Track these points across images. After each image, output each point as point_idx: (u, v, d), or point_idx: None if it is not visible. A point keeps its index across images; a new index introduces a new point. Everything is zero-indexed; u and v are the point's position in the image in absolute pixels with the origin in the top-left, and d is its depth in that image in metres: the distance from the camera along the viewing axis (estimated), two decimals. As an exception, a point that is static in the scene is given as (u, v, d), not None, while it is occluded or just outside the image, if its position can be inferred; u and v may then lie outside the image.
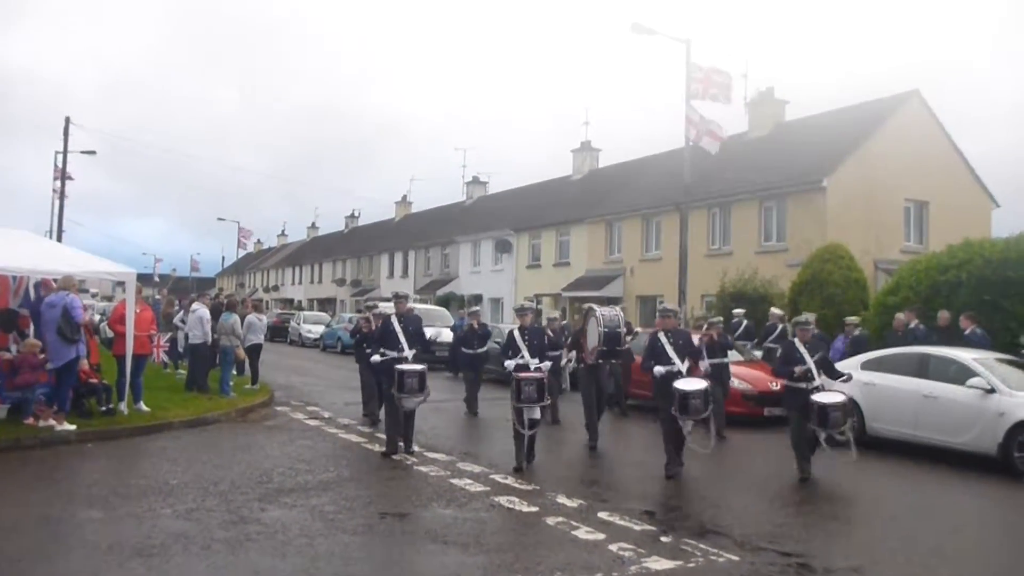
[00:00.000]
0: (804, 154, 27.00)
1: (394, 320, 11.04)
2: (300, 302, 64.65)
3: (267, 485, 8.73)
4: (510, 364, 10.58)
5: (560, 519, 7.73)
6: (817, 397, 9.69)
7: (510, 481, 9.37)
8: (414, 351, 10.82)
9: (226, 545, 6.55)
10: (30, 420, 11.17)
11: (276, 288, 74.31)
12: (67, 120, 35.28)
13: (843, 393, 10.15)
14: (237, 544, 6.60)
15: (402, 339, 10.84)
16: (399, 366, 10.52)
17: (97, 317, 26.39)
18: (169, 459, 10.11)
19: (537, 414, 10.22)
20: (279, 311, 50.54)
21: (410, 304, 12.63)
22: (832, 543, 7.42)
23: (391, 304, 11.67)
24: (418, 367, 10.61)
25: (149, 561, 6.10)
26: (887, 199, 25.19)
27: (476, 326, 16.34)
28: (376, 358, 11.00)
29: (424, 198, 66.68)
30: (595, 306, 12.34)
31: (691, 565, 6.50)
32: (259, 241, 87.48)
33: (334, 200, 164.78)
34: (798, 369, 9.86)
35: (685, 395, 9.53)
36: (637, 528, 7.50)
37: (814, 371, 9.89)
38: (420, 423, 11.76)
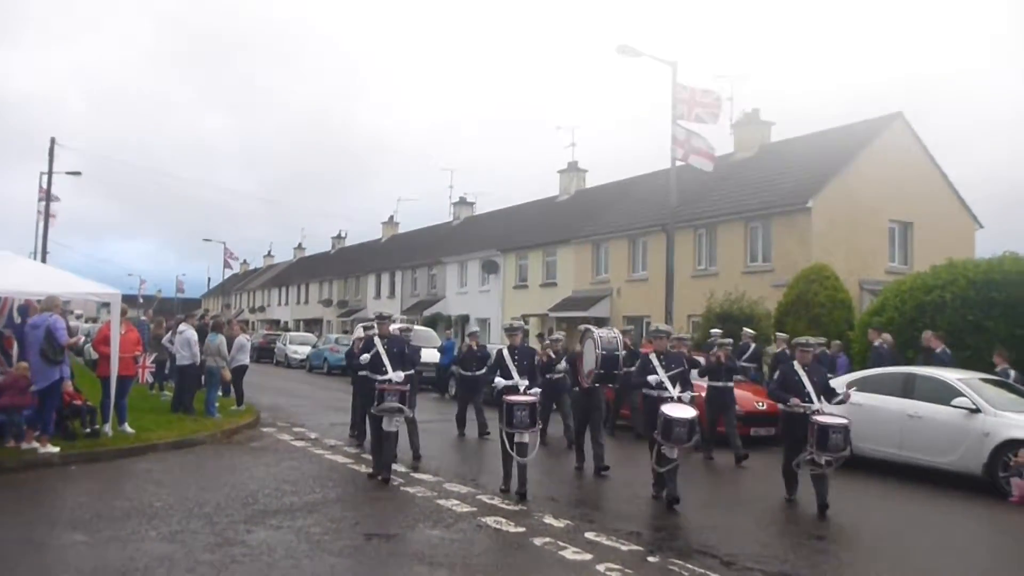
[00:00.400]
0: (789, 175, 27.22)
1: (378, 341, 10.83)
2: (286, 323, 64.48)
3: (253, 507, 8.68)
4: (500, 382, 10.32)
5: (547, 540, 7.71)
6: (819, 418, 9.24)
7: (497, 502, 9.35)
8: (400, 373, 10.60)
9: (211, 568, 6.50)
10: (11, 443, 11.07)
11: (262, 309, 74.07)
12: (52, 141, 35.15)
13: (844, 417, 9.60)
14: (222, 567, 6.55)
15: (386, 361, 10.67)
16: (379, 384, 10.35)
17: (82, 339, 26.27)
18: (154, 481, 10.04)
19: (527, 439, 9.81)
20: (265, 332, 50.35)
21: (397, 325, 12.54)
22: (819, 563, 7.42)
23: (394, 324, 11.67)
24: (399, 386, 10.36)
25: (133, 584, 6.05)
26: (871, 220, 25.40)
27: (475, 347, 15.91)
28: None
29: (411, 219, 67.01)
30: (593, 328, 11.89)
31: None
32: (245, 262, 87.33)
33: (321, 221, 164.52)
34: (794, 400, 9.46)
35: (670, 421, 9.11)
36: (624, 548, 7.49)
37: (813, 395, 9.53)
38: (405, 443, 11.73)
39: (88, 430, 12.30)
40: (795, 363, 9.93)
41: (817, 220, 24.58)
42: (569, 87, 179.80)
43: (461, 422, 15.36)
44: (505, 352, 10.78)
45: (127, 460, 11.47)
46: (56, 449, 11.03)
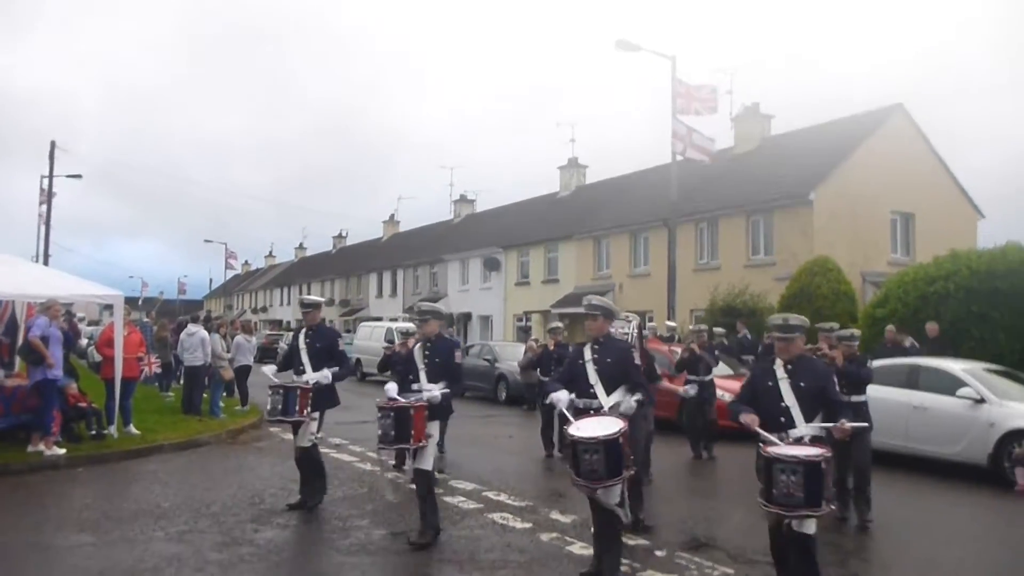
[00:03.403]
0: (790, 168, 27.20)
1: (301, 337, 8.85)
2: (289, 323, 64.46)
3: (259, 506, 8.68)
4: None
5: (554, 535, 7.71)
6: (774, 449, 5.39)
7: (503, 498, 9.35)
8: (326, 372, 8.55)
9: (219, 567, 6.51)
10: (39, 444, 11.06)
11: (265, 309, 74.08)
12: (52, 144, 35.32)
13: (820, 448, 5.37)
14: (230, 566, 6.56)
15: (304, 358, 8.67)
16: (272, 383, 8.46)
17: (84, 341, 26.28)
18: (160, 482, 10.05)
19: (408, 464, 8.02)
20: (268, 332, 50.33)
21: (399, 325, 11.89)
22: (825, 555, 7.40)
23: (405, 323, 10.25)
24: (301, 385, 8.42)
25: (141, 585, 6.06)
26: (873, 212, 25.38)
27: (553, 347, 13.64)
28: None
29: (412, 217, 66.92)
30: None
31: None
32: (247, 262, 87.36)
33: (322, 220, 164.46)
34: (745, 418, 5.79)
35: (576, 446, 5.95)
36: (631, 543, 7.48)
37: (795, 414, 5.69)
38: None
39: (94, 432, 12.32)
40: (776, 362, 5.99)
41: (819, 212, 24.57)
42: (568, 83, 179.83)
43: (548, 439, 12.79)
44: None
45: (133, 461, 11.47)
46: (62, 451, 11.04)
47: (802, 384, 5.77)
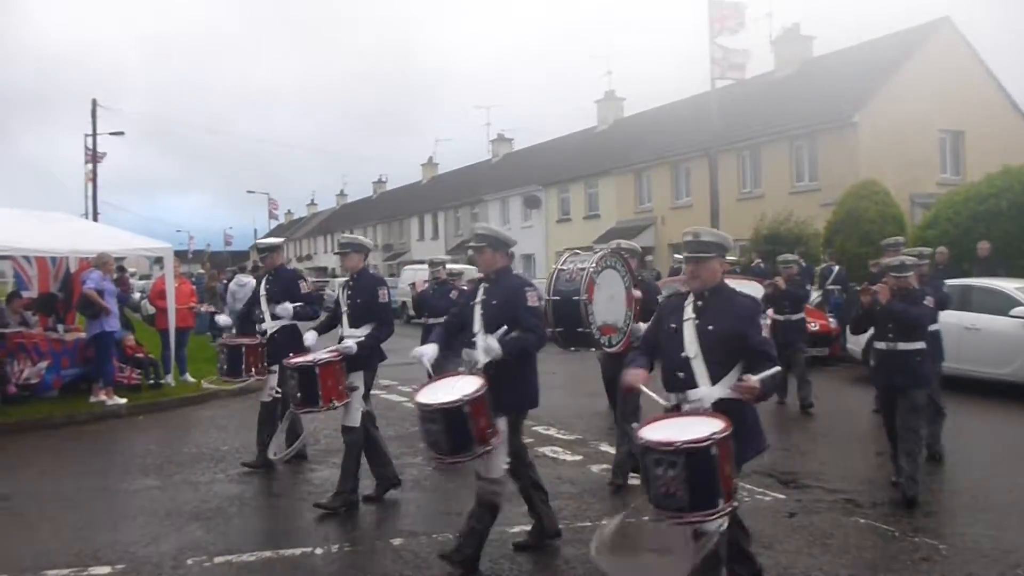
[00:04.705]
0: (833, 90, 26.50)
1: (263, 283, 8.12)
2: (333, 270, 65.09)
3: (315, 447, 8.88)
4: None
5: (604, 467, 7.80)
6: (646, 431, 3.88)
7: (552, 432, 9.46)
8: (280, 320, 7.73)
9: (281, 505, 6.71)
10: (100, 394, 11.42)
11: (309, 257, 74.83)
12: (94, 103, 35.65)
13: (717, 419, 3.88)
14: (291, 504, 6.77)
15: (264, 305, 7.93)
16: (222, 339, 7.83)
17: (137, 295, 26.84)
18: (218, 427, 10.33)
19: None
20: (314, 279, 50.91)
21: (449, 267, 10.76)
22: (877, 479, 7.41)
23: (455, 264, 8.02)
24: (239, 341, 7.99)
25: (208, 523, 6.28)
26: (921, 131, 24.69)
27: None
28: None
29: (450, 159, 66.36)
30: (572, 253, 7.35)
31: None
32: (289, 211, 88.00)
33: (362, 166, 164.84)
34: (628, 377, 4.44)
35: (423, 412, 4.96)
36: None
37: (696, 368, 4.19)
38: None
39: (151, 381, 12.66)
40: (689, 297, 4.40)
41: (864, 135, 24.01)
42: (602, 15, 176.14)
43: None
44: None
45: (190, 408, 11.79)
46: (123, 401, 11.38)
47: (711, 327, 4.18)
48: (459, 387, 4.90)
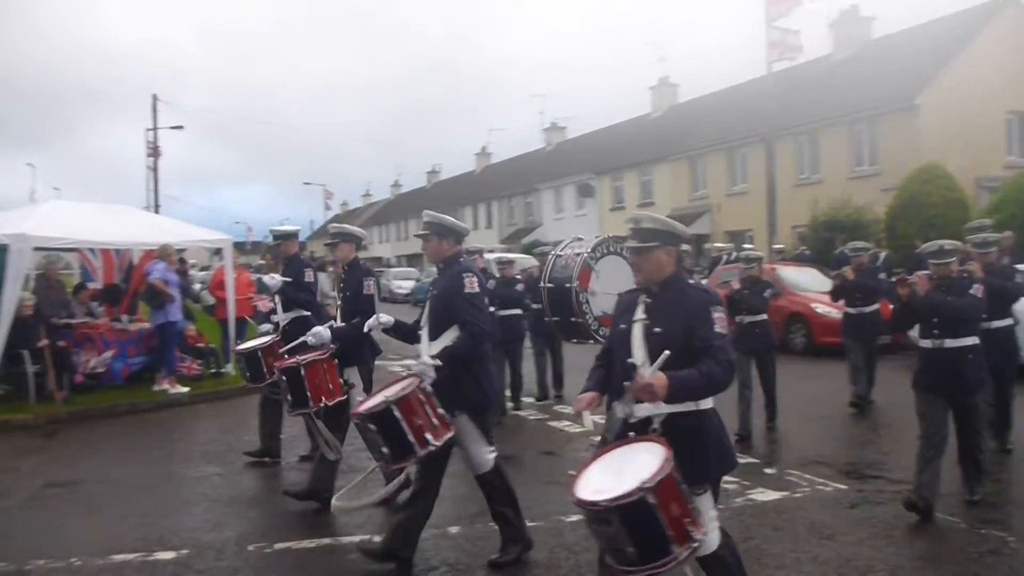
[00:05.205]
0: (894, 72, 25.87)
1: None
2: (388, 259, 65.69)
3: (372, 436, 8.94)
4: None
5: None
6: (580, 492, 3.28)
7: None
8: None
9: (346, 489, 6.78)
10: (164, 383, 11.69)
11: (364, 247, 75.49)
12: (154, 98, 36.56)
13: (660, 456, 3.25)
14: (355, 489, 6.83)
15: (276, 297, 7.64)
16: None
17: (197, 286, 27.36)
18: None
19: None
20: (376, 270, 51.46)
21: (496, 256, 9.59)
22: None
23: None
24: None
25: (268, 510, 6.40)
26: (986, 113, 23.95)
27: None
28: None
29: (503, 148, 66.39)
30: (567, 244, 7.51)
31: (798, 495, 6.46)
32: (344, 202, 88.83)
33: (416, 156, 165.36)
34: (579, 403, 3.80)
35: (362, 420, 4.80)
36: (740, 460, 7.45)
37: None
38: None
39: (212, 370, 12.90)
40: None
41: (926, 117, 23.41)
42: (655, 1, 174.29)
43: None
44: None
45: (251, 397, 11.91)
46: (186, 389, 11.63)
47: (657, 330, 3.56)
48: (389, 392, 4.74)
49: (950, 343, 5.90)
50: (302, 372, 6.03)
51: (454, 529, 5.85)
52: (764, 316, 8.75)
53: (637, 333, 3.61)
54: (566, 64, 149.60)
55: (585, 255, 6.05)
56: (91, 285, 13.43)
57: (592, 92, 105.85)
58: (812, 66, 29.13)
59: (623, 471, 3.21)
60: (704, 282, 9.05)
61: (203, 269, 43.19)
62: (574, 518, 5.82)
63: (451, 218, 5.39)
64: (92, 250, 13.61)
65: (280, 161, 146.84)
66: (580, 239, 6.81)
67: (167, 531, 5.93)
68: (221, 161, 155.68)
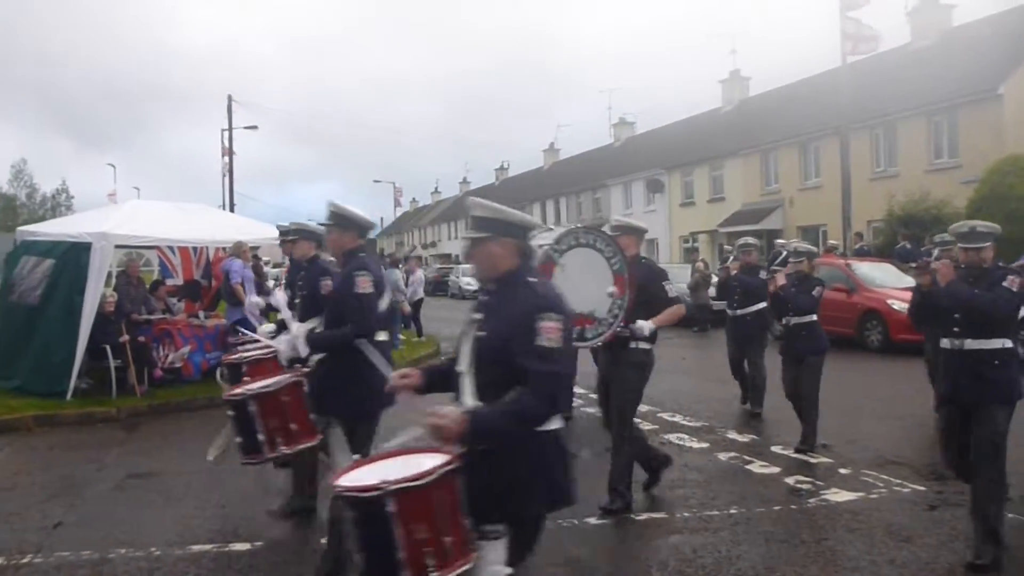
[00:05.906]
0: (975, 61, 25.03)
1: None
2: (457, 256, 66.11)
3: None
4: None
5: (732, 454, 7.66)
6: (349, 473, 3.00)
7: (678, 419, 9.34)
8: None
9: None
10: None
11: (433, 244, 76.20)
12: (229, 98, 37.47)
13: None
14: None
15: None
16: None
17: (271, 283, 27.93)
18: (348, 410, 10.62)
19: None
20: (438, 266, 51.86)
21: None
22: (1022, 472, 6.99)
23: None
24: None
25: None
26: (1074, 102, 23.06)
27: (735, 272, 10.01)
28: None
29: (571, 145, 66.31)
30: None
31: (874, 496, 6.31)
32: (414, 199, 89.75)
33: (484, 153, 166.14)
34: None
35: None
36: (812, 461, 7.33)
37: (465, 387, 3.09)
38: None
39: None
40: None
41: (1009, 107, 22.60)
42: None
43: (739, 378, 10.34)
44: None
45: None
46: (260, 384, 11.85)
47: (482, 333, 3.10)
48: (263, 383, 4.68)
49: (972, 344, 4.92)
50: (250, 407, 4.77)
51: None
52: (813, 317, 7.85)
53: (469, 336, 3.14)
54: (635, 59, 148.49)
55: (548, 247, 5.43)
56: (170, 281, 13.81)
57: (661, 87, 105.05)
58: (889, 56, 28.35)
59: (394, 469, 2.79)
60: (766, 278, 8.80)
61: (276, 266, 44.22)
62: (644, 516, 5.77)
63: (356, 210, 5.05)
64: (171, 247, 13.99)
65: (351, 159, 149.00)
66: (550, 228, 6.31)
67: (241, 523, 6.07)
68: (293, 159, 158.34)
